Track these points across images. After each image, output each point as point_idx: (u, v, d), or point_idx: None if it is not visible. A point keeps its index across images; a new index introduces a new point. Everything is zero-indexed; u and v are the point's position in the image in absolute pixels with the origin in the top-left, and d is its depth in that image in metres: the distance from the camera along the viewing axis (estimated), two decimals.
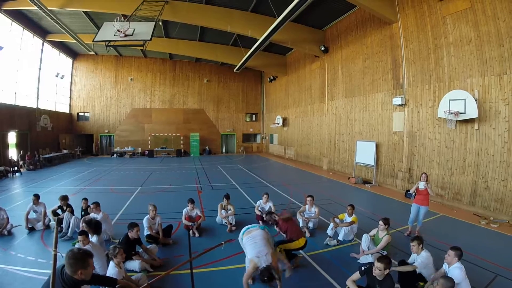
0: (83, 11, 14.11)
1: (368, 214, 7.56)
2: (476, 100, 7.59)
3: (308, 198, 6.44)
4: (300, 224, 6.24)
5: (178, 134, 24.59)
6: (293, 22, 14.16)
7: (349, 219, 5.73)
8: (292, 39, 15.16)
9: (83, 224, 4.78)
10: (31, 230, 6.00)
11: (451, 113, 7.96)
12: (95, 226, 4.62)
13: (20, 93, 16.17)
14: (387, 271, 3.23)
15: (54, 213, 6.11)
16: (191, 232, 5.98)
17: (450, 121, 8.40)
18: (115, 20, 10.82)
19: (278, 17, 11.33)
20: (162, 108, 24.84)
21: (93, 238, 4.59)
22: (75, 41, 16.84)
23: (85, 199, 6.28)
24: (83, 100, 23.29)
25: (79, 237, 3.98)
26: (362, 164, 12.51)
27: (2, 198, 8.56)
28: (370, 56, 12.34)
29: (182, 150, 23.80)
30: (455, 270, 3.39)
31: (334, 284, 4.06)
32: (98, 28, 11.86)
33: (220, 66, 25.77)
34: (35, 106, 17.68)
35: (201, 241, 5.62)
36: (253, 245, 3.68)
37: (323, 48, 15.47)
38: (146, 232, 5.43)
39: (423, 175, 6.13)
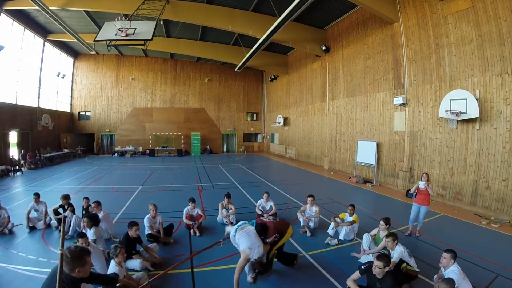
0: (84, 11, 14.12)
1: (369, 213, 7.56)
2: (477, 100, 7.58)
3: (309, 198, 6.44)
4: (301, 224, 6.27)
5: (179, 133, 24.61)
6: (294, 22, 14.17)
7: (350, 219, 5.74)
8: (293, 39, 15.14)
9: (84, 219, 4.91)
10: (32, 229, 6.02)
11: (452, 112, 7.94)
12: (92, 218, 4.81)
13: (21, 93, 16.22)
14: (387, 269, 3.24)
15: (55, 212, 6.12)
16: (192, 231, 5.99)
17: (451, 121, 8.39)
18: (116, 19, 10.81)
19: (279, 16, 11.33)
20: (163, 108, 24.86)
21: (91, 231, 4.62)
22: (76, 40, 16.85)
23: (87, 198, 6.32)
24: (84, 99, 23.32)
25: (79, 240, 3.95)
26: (363, 164, 12.50)
27: (3, 197, 8.57)
28: (371, 56, 12.32)
29: (183, 150, 23.81)
30: (451, 275, 3.36)
31: (335, 284, 4.06)
32: (99, 27, 11.86)
33: (221, 66, 25.77)
34: (36, 105, 17.73)
35: (202, 240, 5.61)
36: (247, 238, 3.72)
37: (324, 48, 15.45)
38: (147, 231, 5.45)
39: (424, 175, 6.11)
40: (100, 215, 5.45)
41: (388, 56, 11.26)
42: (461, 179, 8.34)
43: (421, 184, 5.99)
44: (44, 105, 18.81)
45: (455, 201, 8.49)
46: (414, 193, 6.34)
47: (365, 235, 4.98)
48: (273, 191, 9.77)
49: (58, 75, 19.84)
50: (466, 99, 7.72)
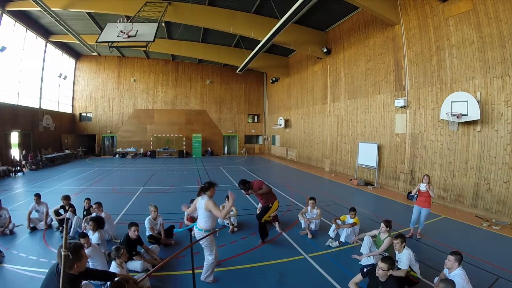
0: (86, 12, 14.18)
1: (370, 215, 7.54)
2: (478, 102, 7.57)
3: (310, 201, 6.44)
4: (302, 226, 6.26)
5: (180, 135, 24.64)
6: (295, 24, 14.21)
7: (351, 221, 5.74)
8: (295, 41, 15.18)
9: (89, 222, 4.90)
10: (33, 229, 6.03)
11: (454, 115, 7.94)
12: (98, 221, 4.83)
13: (23, 93, 16.28)
14: (390, 271, 3.22)
15: (56, 213, 6.13)
16: (192, 232, 5.97)
17: (452, 123, 8.38)
18: (118, 21, 10.88)
19: (281, 18, 11.35)
20: (164, 109, 24.91)
21: (95, 235, 4.63)
22: (78, 42, 16.90)
23: (88, 199, 6.34)
24: (85, 100, 23.40)
25: (81, 240, 3.94)
26: (364, 166, 12.49)
27: (4, 197, 8.57)
28: (372, 58, 12.33)
29: (184, 151, 23.84)
30: (455, 278, 3.33)
31: (336, 286, 4.04)
32: (101, 29, 11.93)
33: (223, 67, 25.84)
34: (37, 106, 17.79)
35: None
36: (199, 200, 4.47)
37: (325, 50, 15.48)
38: (148, 232, 5.45)
39: (425, 177, 6.09)
40: (102, 216, 5.46)
41: (389, 58, 11.27)
42: (462, 181, 8.32)
43: (422, 186, 5.97)
44: (46, 106, 18.89)
45: (456, 203, 8.46)
46: (415, 195, 6.33)
47: (366, 238, 4.98)
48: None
49: (60, 76, 19.91)
50: (467, 101, 7.71)
